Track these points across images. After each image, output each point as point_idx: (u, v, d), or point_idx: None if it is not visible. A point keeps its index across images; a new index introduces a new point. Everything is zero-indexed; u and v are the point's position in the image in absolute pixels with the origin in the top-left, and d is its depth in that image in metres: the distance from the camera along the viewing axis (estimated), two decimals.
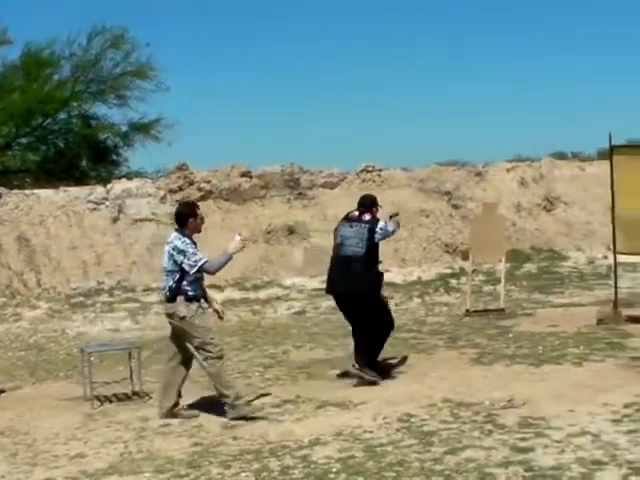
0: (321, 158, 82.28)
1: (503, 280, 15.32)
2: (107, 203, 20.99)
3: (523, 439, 7.52)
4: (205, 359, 8.99)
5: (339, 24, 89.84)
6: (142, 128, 32.46)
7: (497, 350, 11.61)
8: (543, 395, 9.04)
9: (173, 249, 8.93)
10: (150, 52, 34.44)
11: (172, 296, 9.02)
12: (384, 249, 21.07)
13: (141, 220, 20.87)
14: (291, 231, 21.17)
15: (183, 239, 8.94)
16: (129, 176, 27.39)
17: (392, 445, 7.70)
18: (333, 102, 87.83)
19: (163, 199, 21.39)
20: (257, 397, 9.78)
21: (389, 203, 22.54)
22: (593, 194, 22.68)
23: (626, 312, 13.45)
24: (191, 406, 9.61)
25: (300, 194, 22.37)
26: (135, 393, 10.45)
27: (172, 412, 9.23)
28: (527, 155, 33.11)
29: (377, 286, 10.52)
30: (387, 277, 19.48)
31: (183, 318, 8.93)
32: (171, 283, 9.00)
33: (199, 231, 9.31)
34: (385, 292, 17.93)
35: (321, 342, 13.24)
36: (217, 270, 9.13)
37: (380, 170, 23.93)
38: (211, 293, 9.95)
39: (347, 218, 10.66)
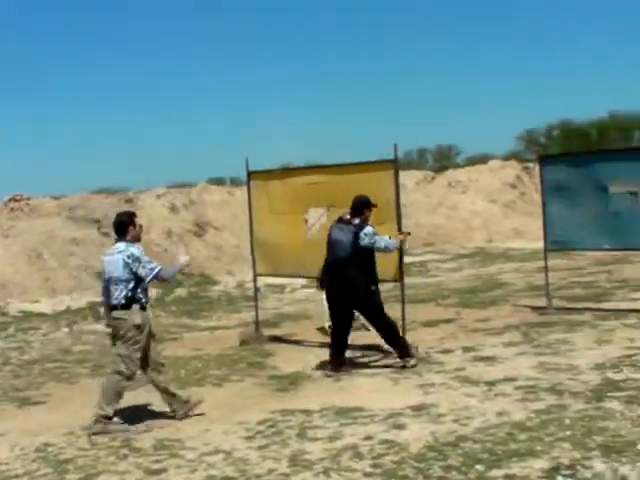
0: None
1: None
2: None
3: (157, 461, 7.60)
4: (118, 372, 8.94)
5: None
6: None
7: (139, 376, 11.61)
8: None
9: (128, 257, 8.84)
10: None
11: (127, 304, 8.88)
12: (34, 279, 20.74)
13: None
14: None
15: (136, 246, 8.96)
16: None
17: (27, 476, 7.58)
18: None
19: None
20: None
21: (39, 232, 22.09)
22: (242, 218, 23.26)
23: (268, 332, 13.91)
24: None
25: None
26: None
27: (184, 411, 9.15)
28: (185, 181, 33.61)
29: (367, 287, 10.61)
30: (35, 308, 19.26)
31: (138, 327, 8.89)
32: (125, 292, 8.88)
33: (139, 239, 9.21)
34: (33, 323, 17.71)
35: None
36: (172, 278, 9.52)
37: (29, 198, 23.41)
38: None
39: (340, 220, 10.86)
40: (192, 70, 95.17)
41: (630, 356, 10.33)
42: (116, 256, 8.94)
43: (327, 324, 13.76)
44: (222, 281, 22.47)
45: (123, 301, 8.90)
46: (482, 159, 45.50)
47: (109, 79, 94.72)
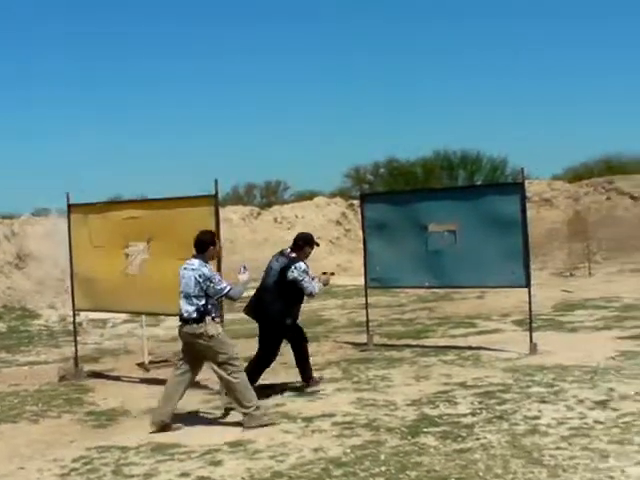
0: None
1: None
2: None
3: None
4: (231, 373, 9.45)
5: None
6: None
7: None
8: None
9: (200, 276, 9.47)
10: None
11: (200, 317, 9.44)
12: None
13: None
14: None
15: (209, 267, 9.61)
16: None
17: None
18: None
19: None
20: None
21: None
22: (66, 251, 22.81)
23: (88, 367, 13.68)
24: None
25: None
26: None
27: (165, 423, 9.53)
28: (10, 212, 32.74)
29: (280, 319, 10.90)
30: None
31: (212, 337, 9.41)
32: (197, 307, 9.46)
33: (214, 259, 9.98)
34: None
35: None
36: (239, 298, 9.84)
37: None
38: None
39: (281, 252, 11.21)
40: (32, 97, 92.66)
41: (446, 392, 10.58)
42: (189, 272, 9.58)
43: (148, 359, 13.69)
44: (44, 315, 22.00)
45: (195, 315, 9.47)
46: (309, 196, 45.94)
47: None
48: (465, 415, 9.37)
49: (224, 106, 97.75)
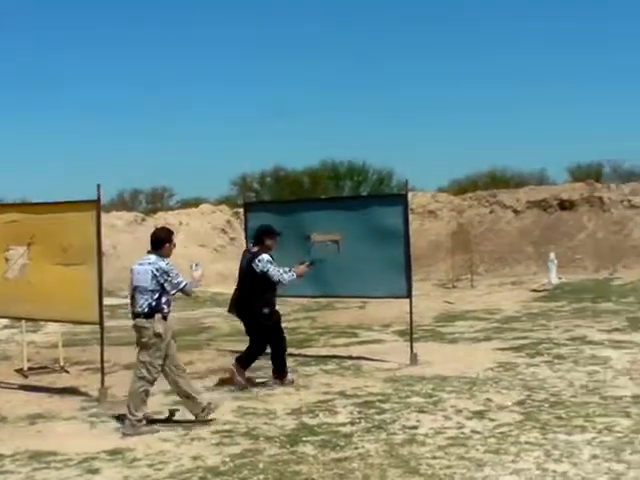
0: None
1: None
2: None
3: None
4: (141, 377, 9.54)
5: None
6: None
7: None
8: None
9: (157, 270, 9.54)
10: None
11: (150, 312, 9.52)
12: None
13: None
14: None
15: (166, 261, 9.67)
16: None
17: None
18: None
19: None
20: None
21: None
22: None
23: None
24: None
25: None
26: None
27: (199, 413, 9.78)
28: None
29: (259, 309, 11.51)
30: None
31: (158, 335, 9.46)
32: (150, 301, 9.54)
33: (169, 256, 9.83)
34: None
35: None
36: (192, 293, 10.09)
37: None
38: None
39: (246, 250, 12.00)
40: None
41: (326, 401, 10.64)
42: (145, 267, 9.65)
43: (27, 365, 13.44)
44: None
45: (147, 310, 9.56)
46: (194, 203, 45.75)
47: None
48: (344, 424, 9.43)
49: (112, 109, 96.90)
